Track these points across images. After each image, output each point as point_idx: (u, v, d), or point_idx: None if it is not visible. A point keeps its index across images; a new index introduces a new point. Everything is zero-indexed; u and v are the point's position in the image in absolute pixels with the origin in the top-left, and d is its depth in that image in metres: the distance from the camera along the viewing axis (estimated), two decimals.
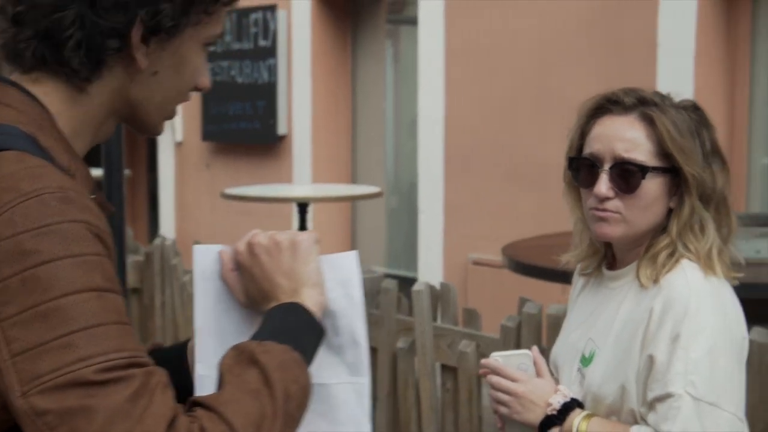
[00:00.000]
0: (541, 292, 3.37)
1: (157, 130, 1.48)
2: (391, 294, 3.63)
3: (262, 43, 7.65)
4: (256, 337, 1.35)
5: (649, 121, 1.94)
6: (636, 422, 1.93)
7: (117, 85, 1.40)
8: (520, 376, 2.05)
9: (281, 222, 7.70)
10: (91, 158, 1.59)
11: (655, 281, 1.94)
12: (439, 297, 3.58)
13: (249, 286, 1.45)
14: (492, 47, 6.28)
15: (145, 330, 4.75)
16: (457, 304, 3.58)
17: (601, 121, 1.99)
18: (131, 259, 4.62)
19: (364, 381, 1.43)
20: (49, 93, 1.37)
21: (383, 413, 3.68)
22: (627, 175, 1.94)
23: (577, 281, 2.24)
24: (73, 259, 1.21)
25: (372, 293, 3.67)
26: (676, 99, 2.01)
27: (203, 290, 1.48)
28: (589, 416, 1.97)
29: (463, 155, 6.50)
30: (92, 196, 1.36)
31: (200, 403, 1.24)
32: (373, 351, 3.69)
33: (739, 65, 5.44)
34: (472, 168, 6.45)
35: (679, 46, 5.36)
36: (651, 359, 1.90)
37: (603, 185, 1.95)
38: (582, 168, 2.00)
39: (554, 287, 5.18)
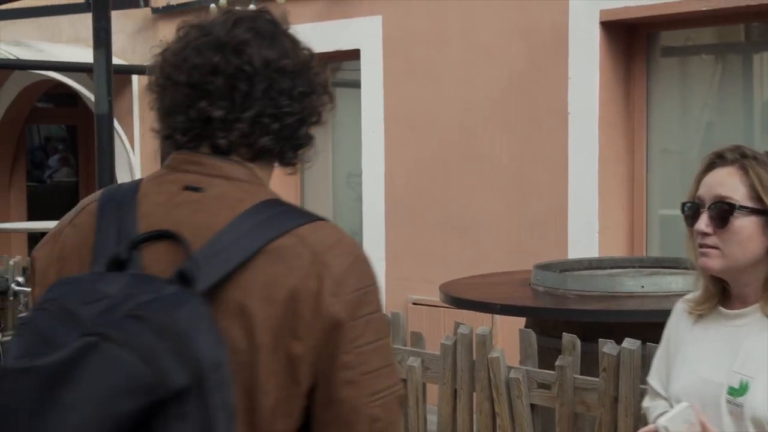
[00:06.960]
0: (470, 322, 3.85)
1: None
2: None
3: None
4: None
5: (745, 170, 2.17)
6: None
7: None
8: None
9: None
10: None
11: None
12: (390, 323, 3.83)
13: None
14: (425, 112, 6.55)
15: None
16: (406, 329, 3.92)
17: (709, 174, 2.22)
18: None
19: None
20: (265, 173, 1.69)
21: None
22: (721, 213, 2.15)
23: (680, 319, 2.37)
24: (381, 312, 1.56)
25: None
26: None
27: None
28: None
29: (401, 207, 6.73)
30: None
31: None
32: None
33: (637, 130, 5.78)
34: (409, 218, 6.69)
35: (585, 114, 5.68)
36: None
37: (702, 222, 2.17)
38: (690, 211, 2.22)
39: (484, 317, 5.63)
